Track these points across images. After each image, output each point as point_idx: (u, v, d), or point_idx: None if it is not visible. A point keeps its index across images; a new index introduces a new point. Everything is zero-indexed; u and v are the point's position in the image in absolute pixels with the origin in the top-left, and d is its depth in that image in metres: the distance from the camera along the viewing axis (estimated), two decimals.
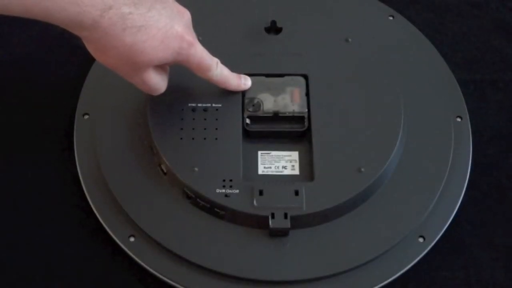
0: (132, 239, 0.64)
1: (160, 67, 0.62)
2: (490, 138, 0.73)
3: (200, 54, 0.62)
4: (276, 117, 0.68)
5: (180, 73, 0.70)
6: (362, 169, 0.65)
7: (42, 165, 0.70)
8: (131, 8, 0.55)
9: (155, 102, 0.68)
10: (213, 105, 0.68)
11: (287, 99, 0.69)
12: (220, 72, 0.65)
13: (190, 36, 0.60)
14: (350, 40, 0.73)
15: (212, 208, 0.63)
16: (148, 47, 0.57)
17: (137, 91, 0.71)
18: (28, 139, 0.71)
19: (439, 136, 0.70)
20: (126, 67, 0.59)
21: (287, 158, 0.67)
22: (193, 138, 0.66)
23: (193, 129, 0.67)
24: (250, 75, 0.70)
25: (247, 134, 0.68)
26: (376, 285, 0.63)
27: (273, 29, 0.74)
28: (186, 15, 0.61)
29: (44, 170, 0.70)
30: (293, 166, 0.67)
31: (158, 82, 0.62)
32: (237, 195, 0.63)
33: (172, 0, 0.60)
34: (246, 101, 0.69)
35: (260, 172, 0.66)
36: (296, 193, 0.63)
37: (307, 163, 0.66)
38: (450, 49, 0.79)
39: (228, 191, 0.63)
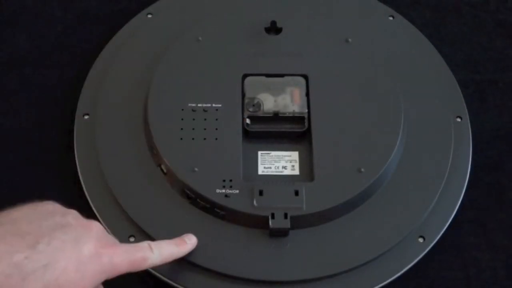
0: (132, 239, 0.64)
1: None
2: (490, 138, 0.73)
3: (126, 255, 0.54)
4: (276, 117, 0.68)
5: (180, 73, 0.70)
6: (362, 169, 0.65)
7: (42, 165, 0.70)
8: (26, 252, 0.48)
9: (155, 102, 0.68)
10: (213, 105, 0.68)
11: (287, 99, 0.69)
12: (159, 253, 0.57)
13: (106, 247, 0.52)
14: (350, 40, 0.73)
15: (212, 208, 0.63)
16: (64, 283, 0.49)
17: (137, 91, 0.71)
18: (28, 139, 0.71)
19: (439, 136, 0.70)
20: None
21: (287, 158, 0.67)
22: (193, 138, 0.66)
23: (193, 129, 0.67)
24: (250, 75, 0.70)
25: (247, 134, 0.68)
26: (376, 285, 0.63)
27: (273, 29, 0.74)
28: (94, 226, 0.53)
29: (44, 170, 0.70)
30: (293, 166, 0.67)
31: None
32: (237, 195, 0.63)
33: (74, 219, 0.53)
34: (246, 101, 0.69)
35: (260, 172, 0.66)
36: (296, 193, 0.63)
37: (307, 163, 0.66)
38: (450, 49, 0.79)
39: (228, 191, 0.63)
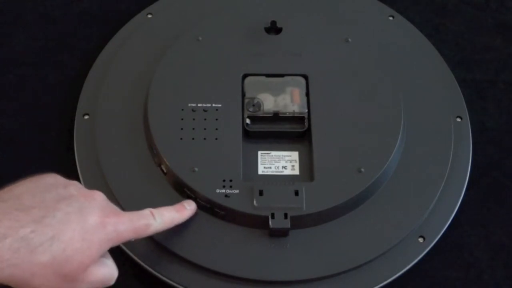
0: (132, 239, 0.64)
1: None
2: (490, 138, 0.73)
3: (130, 223, 0.55)
4: (276, 117, 0.68)
5: (180, 73, 0.70)
6: (362, 169, 0.65)
7: (42, 165, 0.70)
8: (31, 226, 0.49)
9: (155, 102, 0.68)
10: (213, 105, 0.68)
11: (287, 99, 0.69)
12: (161, 220, 0.58)
13: (110, 216, 0.54)
14: (350, 40, 0.73)
15: (212, 208, 0.63)
16: (71, 252, 0.50)
17: (136, 91, 0.71)
18: (28, 139, 0.71)
19: (439, 136, 0.70)
20: (63, 284, 0.51)
21: (287, 158, 0.67)
22: (193, 138, 0.66)
23: (193, 129, 0.67)
24: (250, 75, 0.70)
25: (247, 134, 0.68)
26: (376, 285, 0.63)
27: (273, 29, 0.74)
28: (97, 196, 0.54)
29: (44, 170, 0.69)
30: (293, 166, 0.67)
31: (105, 273, 0.54)
32: (237, 195, 0.63)
33: (76, 190, 0.54)
34: (246, 101, 0.69)
35: (260, 172, 0.66)
36: (296, 193, 0.63)
37: (307, 163, 0.66)
38: (450, 49, 0.79)
39: (228, 191, 0.63)
